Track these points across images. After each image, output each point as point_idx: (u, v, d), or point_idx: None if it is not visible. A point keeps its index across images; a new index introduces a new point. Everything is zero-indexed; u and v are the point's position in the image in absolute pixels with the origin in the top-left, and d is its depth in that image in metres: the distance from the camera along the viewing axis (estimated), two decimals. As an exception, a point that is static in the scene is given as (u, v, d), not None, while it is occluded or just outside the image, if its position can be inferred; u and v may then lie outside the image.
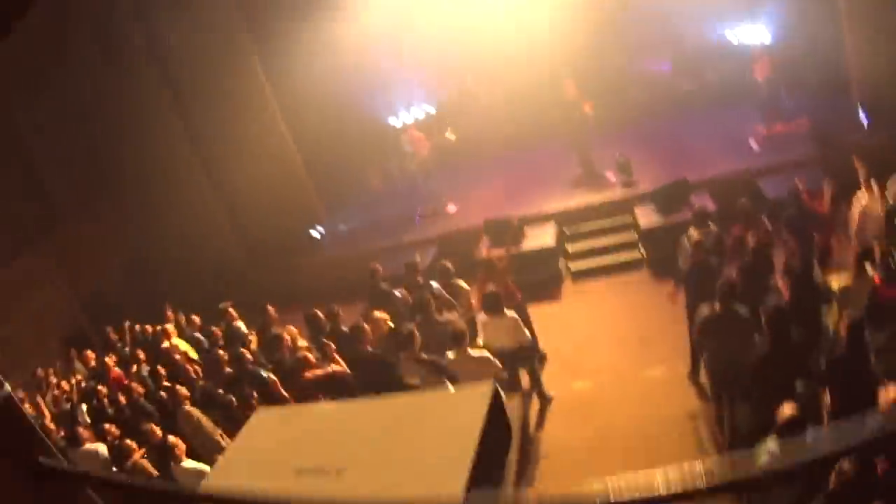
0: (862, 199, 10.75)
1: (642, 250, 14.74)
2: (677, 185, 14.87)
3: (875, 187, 10.76)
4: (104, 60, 16.38)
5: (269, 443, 5.70)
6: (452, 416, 5.51)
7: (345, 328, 10.62)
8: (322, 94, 17.96)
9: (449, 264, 11.63)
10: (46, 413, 11.43)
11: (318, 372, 9.28)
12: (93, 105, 16.46)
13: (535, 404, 10.83)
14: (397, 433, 5.31)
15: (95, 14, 16.02)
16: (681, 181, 14.93)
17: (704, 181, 15.34)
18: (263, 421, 6.20)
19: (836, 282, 8.41)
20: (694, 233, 10.79)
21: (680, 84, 21.11)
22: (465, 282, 11.67)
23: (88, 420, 10.82)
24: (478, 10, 19.13)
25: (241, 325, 12.53)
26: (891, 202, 10.58)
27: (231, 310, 12.79)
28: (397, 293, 11.51)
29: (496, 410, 5.38)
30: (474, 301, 11.25)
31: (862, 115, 15.94)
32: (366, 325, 9.81)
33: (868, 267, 8.26)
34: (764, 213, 10.96)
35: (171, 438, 8.35)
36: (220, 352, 10.97)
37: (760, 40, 18.62)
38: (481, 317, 10.12)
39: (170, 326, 13.14)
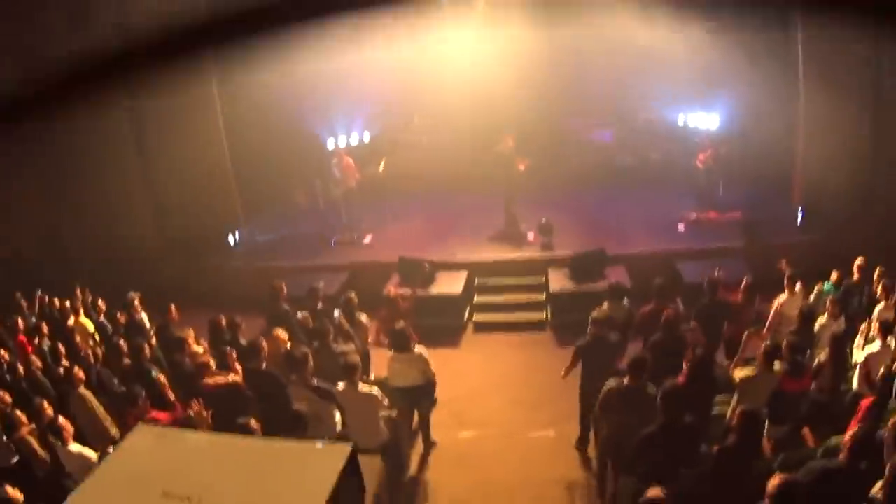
0: (782, 297, 11.05)
1: (548, 313, 14.88)
2: (595, 255, 15.13)
3: (798, 287, 11.06)
4: (70, 25, 15.95)
5: (141, 463, 5.99)
6: (310, 469, 5.93)
7: (243, 341, 10.56)
8: (265, 103, 18.03)
9: (353, 296, 11.58)
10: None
11: (219, 380, 9.17)
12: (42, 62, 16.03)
13: (419, 447, 10.81)
14: (259, 476, 5.73)
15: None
16: (599, 252, 15.21)
17: (624, 255, 15.61)
18: (140, 440, 6.48)
19: (740, 373, 8.53)
20: (604, 307, 10.88)
21: (620, 157, 21.47)
22: (368, 314, 11.64)
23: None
24: (436, 54, 19.25)
25: (144, 318, 12.41)
26: (810, 302, 10.87)
27: (137, 302, 12.60)
28: (299, 315, 11.39)
29: (351, 471, 5.86)
30: (371, 336, 11.23)
31: (799, 217, 16.38)
32: (264, 342, 9.68)
33: (776, 363, 8.42)
34: (679, 296, 11.13)
35: (62, 420, 8.13)
36: (121, 341, 10.72)
37: (710, 128, 19.10)
38: (388, 354, 10.09)
39: (77, 304, 12.82)
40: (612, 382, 8.41)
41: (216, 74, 16.67)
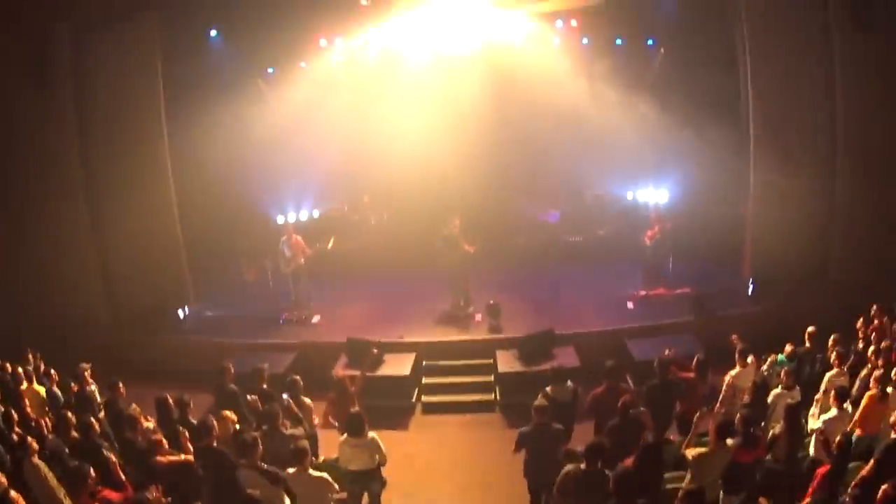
0: (734, 371, 11.21)
1: (497, 394, 14.86)
2: (543, 336, 15.18)
3: (750, 360, 11.22)
4: (26, 70, 16.08)
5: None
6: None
7: (193, 419, 10.43)
8: (218, 177, 18.37)
9: (298, 378, 11.48)
10: None
11: (172, 458, 9.09)
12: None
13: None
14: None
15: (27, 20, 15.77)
16: (547, 332, 15.27)
17: (573, 335, 15.69)
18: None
19: (693, 451, 8.60)
20: (548, 390, 10.92)
21: (568, 235, 21.71)
22: (316, 396, 11.64)
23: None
24: (389, 135, 19.54)
25: (94, 390, 12.14)
26: (763, 374, 11.03)
27: (87, 374, 12.41)
28: (249, 398, 11.28)
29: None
30: (318, 419, 11.18)
31: (750, 288, 16.67)
32: (214, 421, 9.57)
33: (728, 441, 8.51)
34: (628, 374, 11.19)
35: (13, 494, 7.85)
36: (69, 413, 10.41)
37: (658, 203, 19.38)
38: (338, 436, 10.01)
39: (29, 370, 12.36)
40: (569, 467, 8.41)
41: (171, 144, 17.06)
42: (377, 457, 9.79)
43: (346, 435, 9.84)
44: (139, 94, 16.78)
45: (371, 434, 9.83)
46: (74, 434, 9.85)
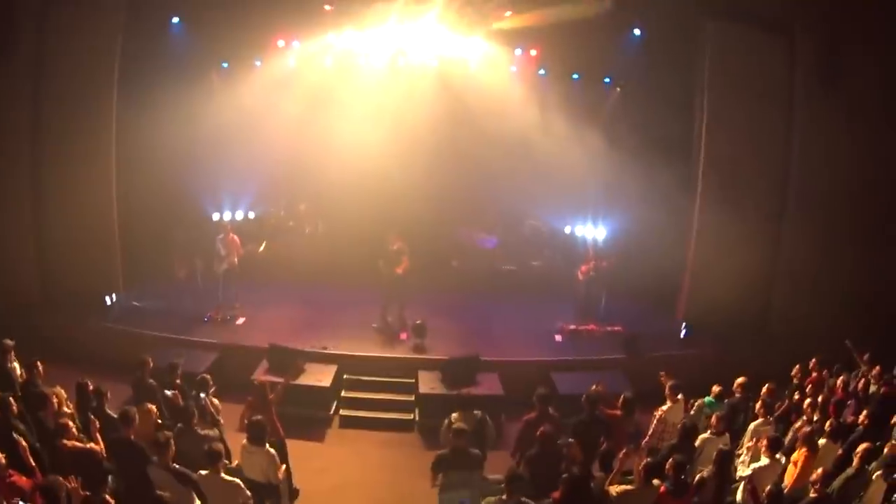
0: (665, 406, 11.28)
1: (417, 414, 14.78)
2: (468, 360, 15.20)
3: (680, 398, 11.26)
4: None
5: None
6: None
7: (109, 410, 10.21)
8: (160, 165, 18.07)
9: (209, 377, 11.40)
10: None
11: (78, 445, 8.91)
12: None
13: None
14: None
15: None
16: (472, 357, 15.30)
17: (498, 362, 15.71)
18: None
19: (616, 488, 8.57)
20: (455, 416, 10.84)
21: (502, 263, 21.74)
22: (236, 398, 11.68)
23: None
24: (334, 144, 19.37)
25: (17, 367, 11.80)
26: (692, 416, 11.07)
27: (12, 351, 12.01)
28: (168, 393, 11.04)
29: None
30: (237, 423, 11.02)
31: (683, 331, 16.90)
32: (134, 413, 9.37)
33: (655, 481, 8.50)
34: (552, 406, 11.14)
35: None
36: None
37: (597, 239, 19.61)
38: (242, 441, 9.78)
39: None
40: (490, 499, 8.32)
41: (118, 126, 16.90)
42: (267, 474, 9.55)
43: (245, 441, 9.64)
44: (95, 71, 16.58)
45: (269, 449, 9.61)
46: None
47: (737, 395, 11.68)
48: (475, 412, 11.08)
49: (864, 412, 10.59)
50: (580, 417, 10.83)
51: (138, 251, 18.35)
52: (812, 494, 8.50)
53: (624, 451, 9.29)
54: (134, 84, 17.23)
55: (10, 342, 12.09)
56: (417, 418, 14.75)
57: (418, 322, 16.59)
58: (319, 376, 14.99)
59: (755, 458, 9.78)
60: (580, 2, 16.51)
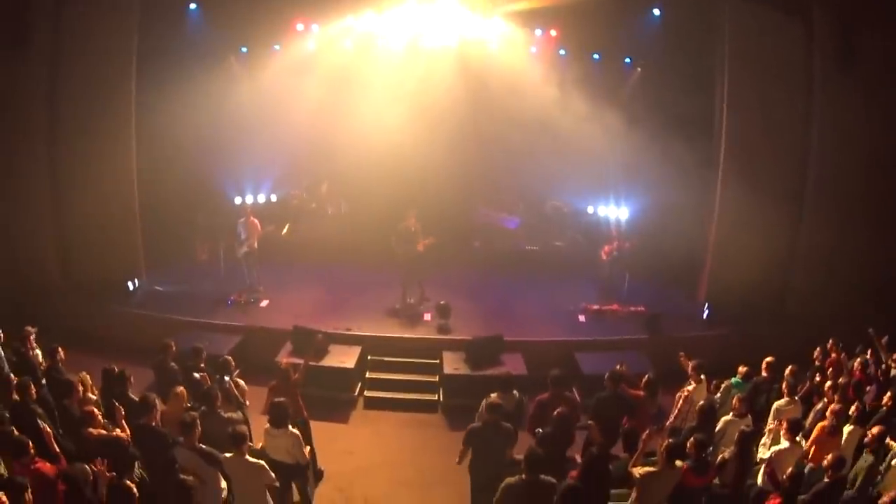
0: (690, 386, 11.25)
1: (441, 395, 14.78)
2: (491, 341, 15.18)
3: (703, 379, 11.22)
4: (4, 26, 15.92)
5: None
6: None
7: (133, 395, 10.23)
8: (180, 150, 18.16)
9: (231, 359, 11.42)
10: None
11: (103, 432, 8.93)
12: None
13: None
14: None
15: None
16: (496, 337, 15.26)
17: (522, 342, 15.66)
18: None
19: (639, 469, 8.56)
20: (494, 396, 10.81)
21: (525, 243, 21.76)
22: (260, 381, 11.70)
23: None
24: (355, 126, 19.41)
25: (38, 354, 11.90)
26: (713, 398, 11.02)
27: (32, 337, 12.10)
28: (196, 375, 11.11)
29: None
30: (263, 406, 11.03)
31: (705, 312, 16.83)
32: (155, 399, 9.42)
33: (678, 462, 8.49)
34: (575, 386, 11.09)
35: None
36: (12, 375, 10.19)
37: (620, 219, 19.57)
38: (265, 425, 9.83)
39: None
40: (510, 479, 8.31)
41: (138, 112, 16.98)
42: (294, 454, 9.60)
43: (267, 424, 9.68)
44: (113, 59, 16.66)
45: (293, 430, 9.65)
46: (15, 397, 9.63)
47: (764, 374, 11.63)
48: (514, 393, 11.07)
49: (889, 394, 10.53)
50: (602, 394, 10.77)
51: (160, 235, 18.47)
52: (825, 479, 8.43)
53: (647, 431, 9.25)
54: (154, 71, 17.25)
55: (31, 329, 12.19)
56: (442, 399, 14.73)
57: (442, 303, 16.60)
58: (343, 357, 14.99)
59: (776, 441, 9.73)
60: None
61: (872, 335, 12.59)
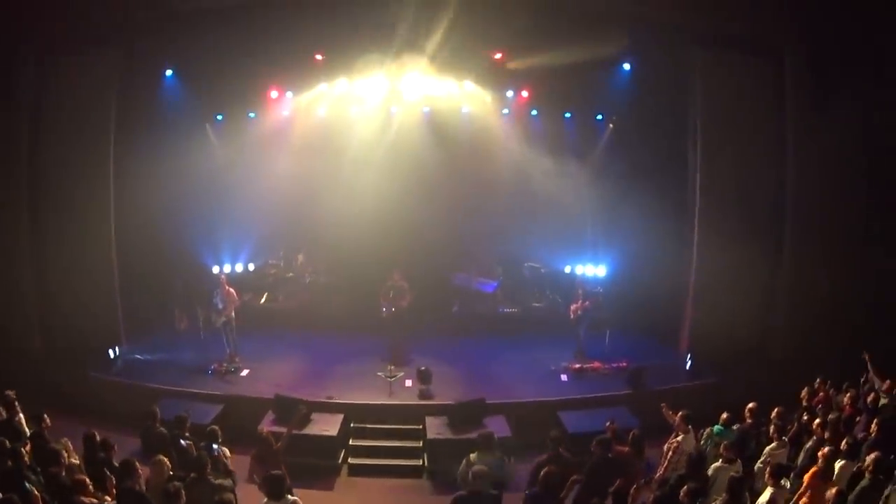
0: (679, 437, 11.26)
1: (425, 460, 14.64)
2: (474, 404, 15.05)
3: (690, 429, 11.20)
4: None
5: None
6: None
7: (116, 462, 10.06)
8: (158, 218, 18.29)
9: (217, 429, 11.28)
10: None
11: (95, 501, 8.75)
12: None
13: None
14: None
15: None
16: (478, 400, 15.13)
17: (504, 404, 15.57)
18: None
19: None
20: (474, 456, 10.72)
21: (503, 306, 21.74)
22: (242, 450, 11.64)
23: None
24: (330, 193, 19.65)
25: (22, 419, 11.71)
26: (700, 446, 10.97)
27: (16, 402, 11.94)
28: (183, 443, 10.96)
29: None
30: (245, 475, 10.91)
31: (688, 362, 16.82)
32: (135, 463, 9.28)
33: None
34: (561, 446, 11.01)
35: None
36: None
37: (596, 276, 19.83)
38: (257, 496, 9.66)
39: None
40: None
41: (116, 177, 17.09)
42: None
43: (266, 498, 9.50)
44: (92, 123, 16.85)
45: (292, 497, 9.50)
46: (9, 463, 9.46)
47: (748, 420, 11.63)
48: (495, 452, 10.99)
49: (875, 421, 10.59)
50: (593, 461, 10.65)
51: (140, 303, 18.46)
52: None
53: (635, 485, 9.18)
54: (130, 137, 17.37)
55: (11, 394, 12.03)
56: (426, 464, 14.58)
57: (423, 368, 16.51)
58: (326, 426, 14.84)
59: (764, 489, 9.69)
60: (576, 45, 16.57)
61: (867, 360, 12.70)
